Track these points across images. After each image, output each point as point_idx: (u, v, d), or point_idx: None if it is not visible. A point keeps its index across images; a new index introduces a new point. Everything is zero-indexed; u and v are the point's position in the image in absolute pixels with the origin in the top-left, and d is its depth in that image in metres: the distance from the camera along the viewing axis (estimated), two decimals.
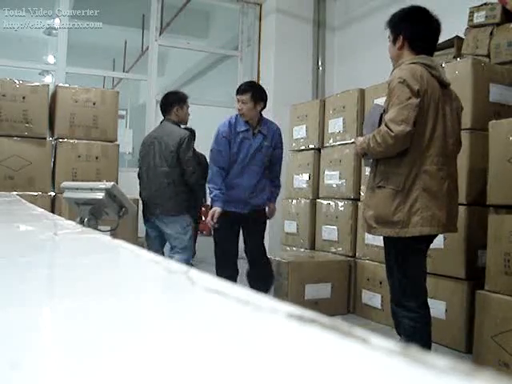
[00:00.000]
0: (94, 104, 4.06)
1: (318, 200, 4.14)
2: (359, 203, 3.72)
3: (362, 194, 3.69)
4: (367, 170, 3.35)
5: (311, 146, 4.24)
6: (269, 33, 5.98)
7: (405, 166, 2.12)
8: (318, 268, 3.64)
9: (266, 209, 3.32)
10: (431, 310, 2.29)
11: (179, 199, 3.36)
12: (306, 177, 4.28)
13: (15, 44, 7.27)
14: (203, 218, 3.35)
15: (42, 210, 1.57)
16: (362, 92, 3.81)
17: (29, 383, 0.25)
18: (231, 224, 3.14)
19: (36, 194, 3.76)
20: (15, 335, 0.32)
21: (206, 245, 4.20)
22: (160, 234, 3.47)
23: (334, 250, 3.93)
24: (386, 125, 2.07)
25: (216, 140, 3.14)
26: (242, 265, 3.26)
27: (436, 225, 2.12)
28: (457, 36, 3.59)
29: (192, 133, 3.55)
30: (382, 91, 3.39)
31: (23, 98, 3.80)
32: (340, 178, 3.91)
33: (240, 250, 3.25)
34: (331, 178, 4.00)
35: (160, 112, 3.67)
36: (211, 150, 3.16)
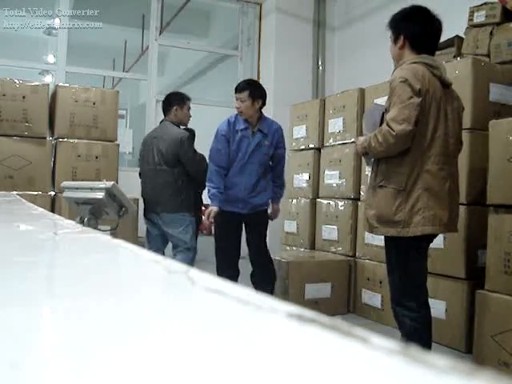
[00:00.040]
0: (93, 104, 4.06)
1: (318, 200, 4.14)
2: (359, 203, 3.72)
3: (362, 193, 3.69)
4: (367, 170, 3.36)
5: (311, 146, 4.24)
6: (269, 33, 5.98)
7: (406, 165, 2.12)
8: (318, 268, 3.64)
9: (269, 210, 3.31)
10: (431, 310, 2.29)
11: (179, 198, 3.37)
12: (305, 176, 4.28)
13: (15, 44, 7.27)
14: (203, 218, 3.35)
15: (42, 209, 1.57)
16: (361, 92, 3.81)
17: (29, 383, 0.25)
18: (231, 224, 3.13)
19: (36, 193, 3.77)
20: (15, 335, 0.32)
21: (206, 244, 4.20)
22: (162, 232, 3.48)
23: (333, 250, 3.93)
24: (387, 124, 2.07)
25: (215, 139, 3.14)
26: (244, 265, 3.26)
27: (438, 224, 2.12)
28: (457, 35, 3.59)
29: (192, 133, 3.55)
30: (382, 91, 3.39)
31: (23, 97, 3.80)
32: (340, 178, 3.91)
33: (242, 251, 3.24)
34: (331, 177, 4.00)
35: (160, 112, 3.70)
36: (210, 149, 3.16)
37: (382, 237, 2.31)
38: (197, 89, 8.96)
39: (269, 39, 5.97)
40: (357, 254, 3.72)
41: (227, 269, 3.07)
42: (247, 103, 3.05)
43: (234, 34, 6.54)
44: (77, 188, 2.42)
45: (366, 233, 3.23)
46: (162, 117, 3.66)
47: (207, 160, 3.25)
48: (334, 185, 3.97)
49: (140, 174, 3.62)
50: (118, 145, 4.21)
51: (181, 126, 3.56)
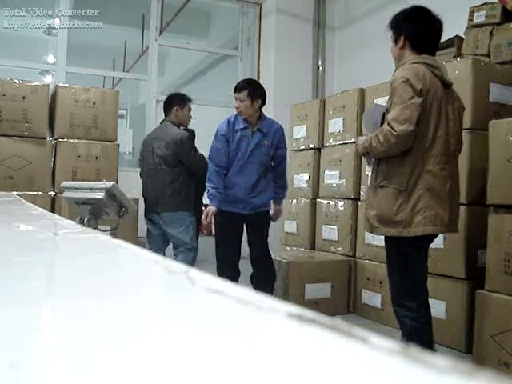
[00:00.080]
0: (93, 104, 4.06)
1: (318, 200, 4.14)
2: (359, 203, 3.72)
3: (362, 193, 3.69)
4: (367, 170, 3.36)
5: (311, 146, 4.24)
6: (269, 33, 5.98)
7: (407, 165, 2.12)
8: (318, 268, 3.64)
9: (270, 211, 3.30)
10: (431, 310, 2.29)
11: (179, 197, 3.38)
12: (306, 176, 4.28)
13: (15, 44, 7.27)
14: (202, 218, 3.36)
15: (42, 209, 1.57)
16: (361, 92, 3.81)
17: (29, 383, 0.25)
18: (232, 224, 3.13)
19: (36, 193, 3.76)
20: (15, 335, 0.32)
21: (206, 244, 4.19)
22: (162, 232, 3.49)
23: (333, 250, 3.93)
24: (388, 124, 2.07)
25: (215, 139, 3.14)
26: (244, 265, 3.26)
27: (439, 224, 2.12)
28: (457, 36, 3.59)
29: (192, 133, 3.56)
30: (382, 91, 3.39)
31: (23, 97, 3.80)
32: (340, 178, 3.91)
33: (243, 251, 3.23)
34: (331, 177, 4.00)
35: (160, 112, 3.71)
36: (210, 149, 3.16)
37: (382, 237, 2.31)
38: (197, 89, 8.95)
39: (269, 39, 5.97)
40: (357, 254, 3.72)
41: (227, 269, 3.07)
42: (246, 103, 3.04)
43: (233, 34, 6.54)
44: (77, 188, 2.42)
45: (366, 233, 3.23)
46: (163, 117, 3.68)
47: (207, 160, 3.25)
48: (334, 185, 3.97)
49: (140, 174, 3.63)
50: (118, 145, 4.21)
51: (181, 127, 3.57)
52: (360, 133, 3.10)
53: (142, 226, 3.73)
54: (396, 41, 2.27)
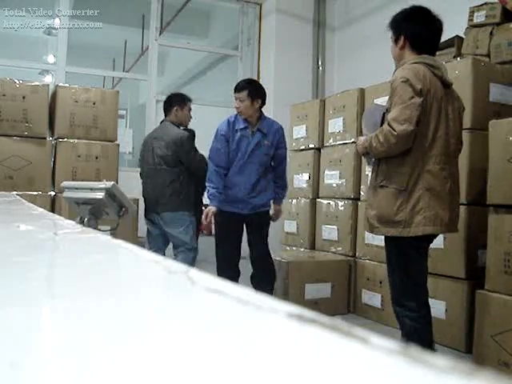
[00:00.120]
0: (93, 104, 4.06)
1: (318, 200, 4.14)
2: (359, 203, 3.72)
3: (362, 193, 3.69)
4: (367, 170, 3.36)
5: (311, 146, 4.24)
6: (269, 33, 5.98)
7: (407, 165, 2.12)
8: (318, 268, 3.64)
9: (271, 211, 3.30)
10: (431, 310, 2.29)
11: (179, 197, 3.38)
12: (306, 176, 4.28)
13: (15, 44, 7.27)
14: (202, 218, 3.37)
15: (42, 209, 1.57)
16: (361, 92, 3.81)
17: (29, 383, 0.25)
18: (232, 224, 3.13)
19: (36, 193, 3.76)
20: (15, 335, 0.32)
21: (206, 244, 4.19)
22: (162, 232, 3.49)
23: (333, 250, 3.93)
24: (388, 124, 2.07)
25: (215, 138, 3.14)
26: (244, 265, 3.26)
27: (439, 224, 2.12)
28: (457, 36, 3.59)
29: (192, 133, 3.56)
30: (382, 91, 3.39)
31: (23, 97, 3.80)
32: (340, 178, 3.91)
33: (243, 251, 3.23)
34: (331, 177, 4.00)
35: (160, 112, 3.71)
36: (210, 149, 3.16)
37: (382, 237, 2.31)
38: (197, 89, 8.95)
39: (269, 39, 5.97)
40: (357, 254, 3.72)
41: (227, 269, 3.07)
42: (246, 103, 3.04)
43: (233, 34, 6.54)
44: (77, 188, 2.42)
45: (366, 233, 3.23)
46: (163, 117, 3.68)
47: (207, 160, 3.25)
48: (334, 185, 3.97)
49: (140, 174, 3.63)
50: (118, 145, 4.21)
51: (181, 127, 3.57)
52: (360, 133, 3.10)
53: (142, 226, 3.73)
54: (396, 41, 2.27)
